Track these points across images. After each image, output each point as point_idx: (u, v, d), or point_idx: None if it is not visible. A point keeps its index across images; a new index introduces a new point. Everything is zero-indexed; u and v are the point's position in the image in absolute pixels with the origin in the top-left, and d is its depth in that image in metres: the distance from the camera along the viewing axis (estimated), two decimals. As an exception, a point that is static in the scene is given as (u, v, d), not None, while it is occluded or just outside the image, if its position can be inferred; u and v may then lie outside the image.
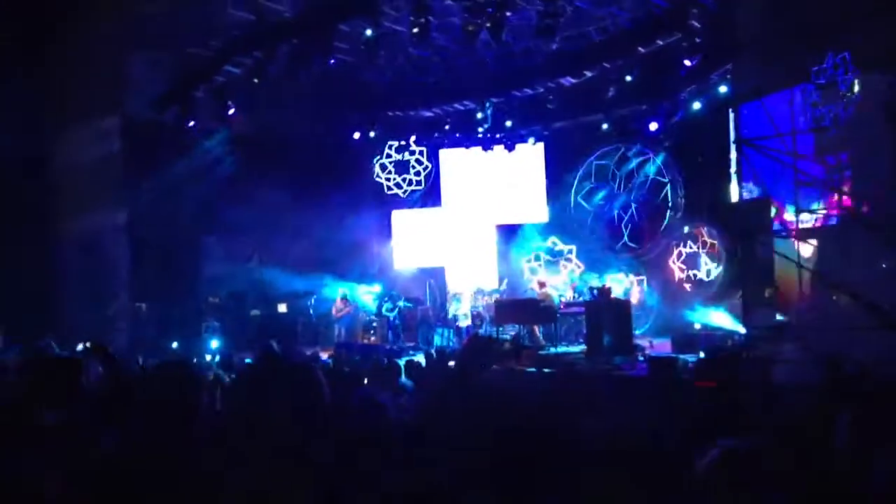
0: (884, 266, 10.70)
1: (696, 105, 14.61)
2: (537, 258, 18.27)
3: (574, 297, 15.49)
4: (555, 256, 18.14)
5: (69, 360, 3.60)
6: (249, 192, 15.89)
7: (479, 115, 16.63)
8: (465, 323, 15.91)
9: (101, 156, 14.75)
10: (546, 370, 10.48)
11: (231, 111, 15.03)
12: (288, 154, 17.04)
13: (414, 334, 17.25)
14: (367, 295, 17.38)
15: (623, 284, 16.02)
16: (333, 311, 16.75)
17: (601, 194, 17.80)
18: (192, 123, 15.25)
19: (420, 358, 11.80)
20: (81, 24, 13.58)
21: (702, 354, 10.77)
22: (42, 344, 7.83)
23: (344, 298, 16.71)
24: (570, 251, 18.03)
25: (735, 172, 12.14)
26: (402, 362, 8.62)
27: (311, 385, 2.28)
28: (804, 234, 11.18)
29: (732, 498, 1.91)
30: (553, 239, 18.25)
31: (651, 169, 17.08)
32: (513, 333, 13.90)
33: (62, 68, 14.16)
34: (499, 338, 13.29)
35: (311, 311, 17.86)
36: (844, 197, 10.98)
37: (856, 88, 10.33)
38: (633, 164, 17.34)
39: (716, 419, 3.63)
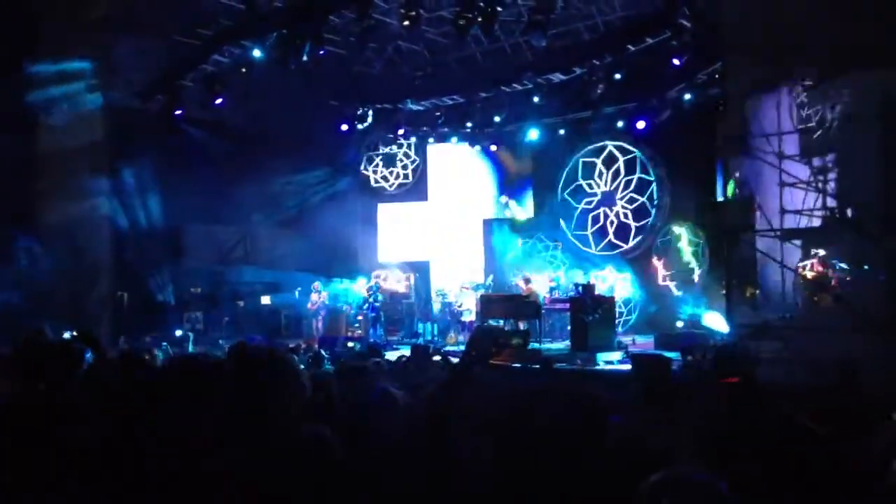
0: (866, 268, 10.80)
1: (684, 104, 14.63)
2: (524, 254, 18.25)
3: (552, 292, 15.52)
4: (540, 252, 18.15)
5: (69, 345, 3.60)
6: (235, 182, 15.73)
7: (468, 110, 16.58)
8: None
9: (83, 143, 14.56)
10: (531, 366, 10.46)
11: (218, 101, 14.86)
12: (275, 145, 16.88)
13: (398, 328, 17.18)
14: (354, 287, 17.22)
15: (607, 282, 16.00)
16: (309, 306, 16.62)
17: (587, 191, 17.82)
18: (178, 112, 15.08)
19: (405, 351, 11.79)
20: (67, 9, 13.39)
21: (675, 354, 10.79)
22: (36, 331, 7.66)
23: (317, 291, 16.57)
24: (555, 247, 18.04)
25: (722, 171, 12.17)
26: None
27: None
28: (789, 235, 11.26)
29: None
30: (538, 235, 18.26)
31: (637, 167, 17.11)
32: (524, 328, 13.80)
33: (46, 53, 13.97)
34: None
35: (296, 304, 17.73)
36: (829, 198, 11.07)
37: (843, 89, 10.42)
38: (620, 161, 17.35)
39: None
